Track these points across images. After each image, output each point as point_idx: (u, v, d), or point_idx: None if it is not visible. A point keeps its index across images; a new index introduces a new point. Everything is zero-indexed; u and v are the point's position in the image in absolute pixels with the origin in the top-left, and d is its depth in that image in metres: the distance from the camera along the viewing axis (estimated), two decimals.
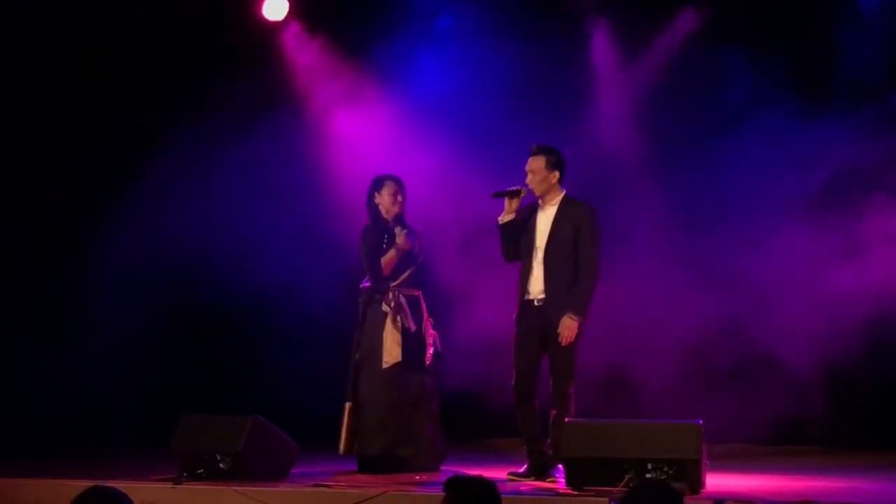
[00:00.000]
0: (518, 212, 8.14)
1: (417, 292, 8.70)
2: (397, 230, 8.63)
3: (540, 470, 7.99)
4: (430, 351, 8.65)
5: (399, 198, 8.67)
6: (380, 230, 8.70)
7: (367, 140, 10.80)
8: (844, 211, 9.78)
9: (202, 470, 7.97)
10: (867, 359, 9.96)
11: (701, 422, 7.15)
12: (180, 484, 7.71)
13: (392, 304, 8.54)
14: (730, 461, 8.78)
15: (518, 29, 10.45)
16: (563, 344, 7.89)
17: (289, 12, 11.30)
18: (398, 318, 8.54)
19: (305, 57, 11.39)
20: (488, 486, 4.66)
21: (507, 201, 8.10)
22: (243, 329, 11.49)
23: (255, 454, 8.00)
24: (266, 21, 11.32)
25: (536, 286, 8.04)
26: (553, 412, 7.95)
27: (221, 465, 8.00)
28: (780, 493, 7.13)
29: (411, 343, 8.55)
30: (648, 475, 6.96)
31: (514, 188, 8.10)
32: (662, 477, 6.88)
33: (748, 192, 9.97)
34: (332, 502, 7.18)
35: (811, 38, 10.19)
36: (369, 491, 7.17)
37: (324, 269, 10.74)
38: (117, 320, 11.24)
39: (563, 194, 8.15)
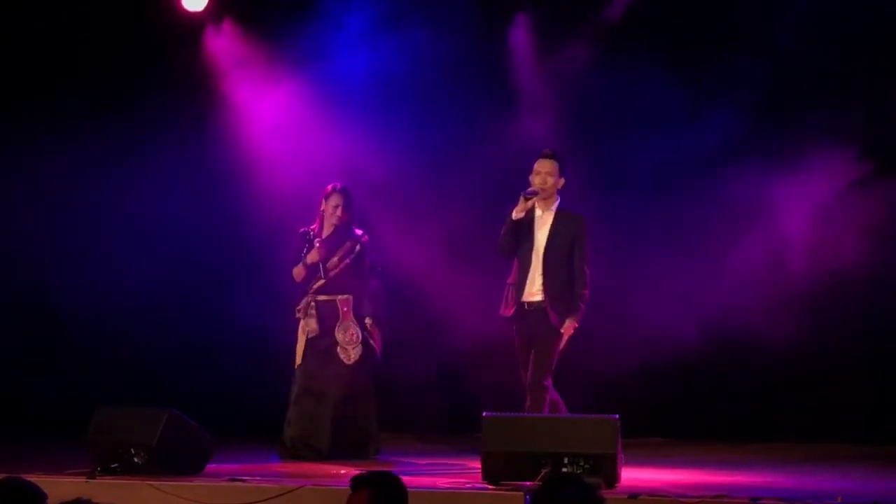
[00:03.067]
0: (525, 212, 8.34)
1: (336, 297, 9.06)
2: (315, 242, 9.06)
3: None
4: (356, 349, 9.00)
5: (339, 211, 9.05)
6: (304, 240, 9.13)
7: (280, 127, 10.76)
8: (762, 199, 9.86)
9: (116, 464, 7.89)
10: (785, 353, 10.04)
11: (617, 416, 7.21)
12: (94, 478, 7.64)
13: (300, 310, 9.08)
14: (645, 455, 8.82)
15: (439, 16, 10.40)
16: (565, 337, 8.17)
17: (209, 2, 11.14)
18: (305, 322, 9.08)
19: (222, 45, 11.25)
20: (392, 478, 4.69)
21: (522, 199, 8.26)
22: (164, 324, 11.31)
23: (170, 448, 7.91)
24: (186, 11, 11.17)
25: (533, 289, 8.28)
26: (528, 401, 8.16)
27: (136, 459, 7.90)
28: (695, 487, 7.19)
29: (319, 346, 9.03)
30: (565, 469, 7.00)
31: (534, 189, 8.28)
32: (578, 471, 6.92)
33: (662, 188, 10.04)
34: (249, 497, 7.17)
35: (733, 37, 10.24)
36: (287, 485, 7.20)
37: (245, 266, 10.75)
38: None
39: (558, 202, 8.39)
